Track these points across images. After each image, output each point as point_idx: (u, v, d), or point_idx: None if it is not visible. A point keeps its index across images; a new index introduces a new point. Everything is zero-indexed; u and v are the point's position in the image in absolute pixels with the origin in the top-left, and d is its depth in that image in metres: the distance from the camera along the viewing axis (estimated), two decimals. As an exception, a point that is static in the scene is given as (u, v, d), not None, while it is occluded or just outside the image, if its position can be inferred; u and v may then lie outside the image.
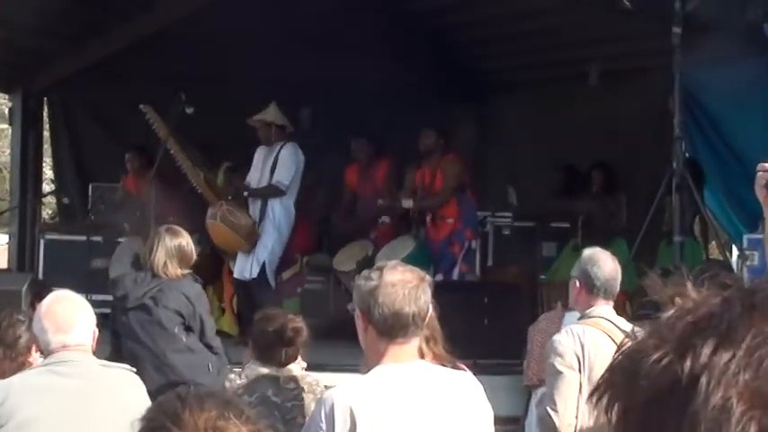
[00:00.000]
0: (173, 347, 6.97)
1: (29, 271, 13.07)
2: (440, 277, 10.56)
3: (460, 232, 11.60)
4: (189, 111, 11.07)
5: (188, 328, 7.06)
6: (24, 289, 9.35)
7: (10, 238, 15.62)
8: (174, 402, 2.47)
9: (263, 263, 11.13)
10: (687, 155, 10.57)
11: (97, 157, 14.93)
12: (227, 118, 12.42)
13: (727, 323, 0.94)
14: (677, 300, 1.00)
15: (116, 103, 13.97)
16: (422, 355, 4.97)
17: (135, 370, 4.83)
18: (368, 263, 10.04)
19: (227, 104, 12.94)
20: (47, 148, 16.20)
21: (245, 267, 11.23)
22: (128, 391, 4.59)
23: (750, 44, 9.85)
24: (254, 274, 11.09)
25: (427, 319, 4.08)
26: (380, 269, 3.99)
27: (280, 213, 11.27)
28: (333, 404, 3.78)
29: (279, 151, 11.29)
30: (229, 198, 11.42)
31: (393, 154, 12.76)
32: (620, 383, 1.00)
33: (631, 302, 9.16)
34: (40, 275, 12.49)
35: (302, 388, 5.61)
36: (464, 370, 5.22)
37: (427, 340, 5.15)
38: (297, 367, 5.68)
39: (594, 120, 13.22)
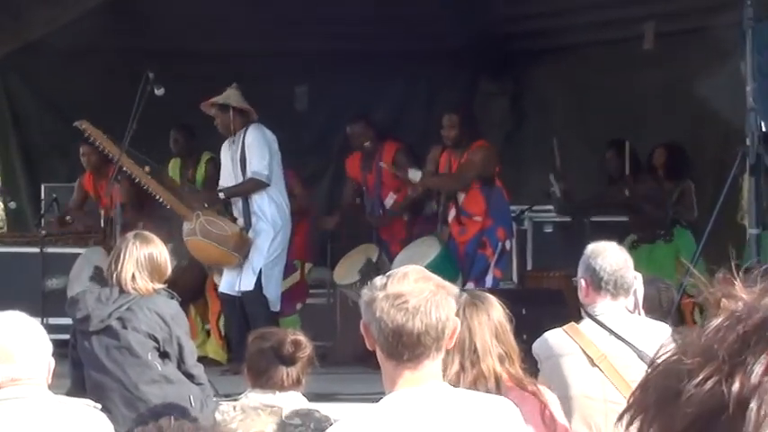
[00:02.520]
0: (146, 378, 6.95)
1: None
2: (470, 286, 10.47)
3: (491, 231, 11.56)
4: (159, 92, 11.03)
5: (163, 354, 7.04)
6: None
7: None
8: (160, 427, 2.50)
9: (259, 272, 11.11)
10: (765, 129, 10.56)
11: (50, 153, 14.93)
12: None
13: None
14: (724, 302, 1.01)
15: (70, 87, 13.98)
16: (496, 379, 5.00)
17: (100, 406, 4.83)
18: (374, 270, 10.03)
19: (207, 83, 12.92)
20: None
21: (235, 280, 11.18)
22: (91, 432, 4.59)
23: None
24: (249, 287, 11.00)
25: (453, 338, 4.06)
26: (389, 276, 3.98)
27: (269, 208, 11.20)
28: None
29: (243, 139, 11.28)
30: (205, 206, 11.31)
31: (405, 136, 12.70)
32: (656, 406, 1.01)
33: (701, 310, 9.16)
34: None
35: (309, 425, 5.61)
36: (538, 393, 5.26)
37: (501, 359, 5.19)
38: (302, 399, 5.67)
39: (651, 91, 13.21)
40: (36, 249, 13.08)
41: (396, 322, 3.82)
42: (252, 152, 11.12)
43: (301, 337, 5.63)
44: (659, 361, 1.02)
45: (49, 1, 13.80)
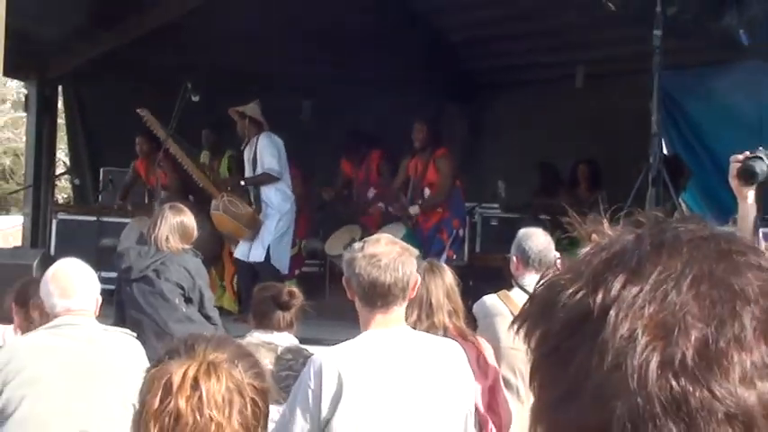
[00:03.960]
0: (173, 317, 6.97)
1: (44, 248, 13.09)
2: (429, 261, 10.57)
3: (448, 221, 11.67)
4: (195, 98, 11.11)
5: (188, 300, 7.06)
6: (36, 263, 9.37)
7: (24, 219, 15.63)
8: (199, 337, 2.53)
9: (268, 246, 11.18)
10: (667, 152, 10.60)
11: (108, 143, 14.93)
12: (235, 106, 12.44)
13: (637, 259, 0.97)
14: (594, 236, 1.03)
15: (126, 91, 13.97)
16: (444, 329, 5.04)
17: (135, 335, 4.85)
18: None
19: (233, 94, 12.94)
20: (62, 135, 16.23)
21: (248, 251, 11.29)
22: (127, 354, 4.61)
23: (726, 50, 9.88)
24: (260, 258, 11.14)
25: (415, 291, 4.12)
26: (366, 242, 4.04)
27: (275, 197, 11.34)
28: (321, 365, 3.83)
29: (256, 144, 11.39)
30: (229, 189, 11.49)
31: (387, 145, 12.82)
32: (538, 313, 1.02)
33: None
34: (52, 253, 12.49)
35: (298, 359, 5.64)
36: (476, 342, 5.30)
37: (450, 314, 5.24)
38: (295, 339, 5.69)
39: (579, 120, 13.27)
40: (94, 218, 13.12)
41: (371, 276, 3.88)
42: (264, 153, 11.25)
43: (295, 290, 5.66)
44: (543, 281, 1.04)
45: (116, 28, 13.83)
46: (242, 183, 11.65)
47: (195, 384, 2.40)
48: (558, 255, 6.04)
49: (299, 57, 13.47)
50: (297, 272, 12.38)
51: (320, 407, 3.78)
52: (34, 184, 14.91)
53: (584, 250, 1.02)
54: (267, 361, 5.56)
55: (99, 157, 15.12)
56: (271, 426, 4.27)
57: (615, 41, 11.95)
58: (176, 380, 2.40)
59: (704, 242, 0.99)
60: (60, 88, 15.64)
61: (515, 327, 1.04)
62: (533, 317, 1.02)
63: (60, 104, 16.09)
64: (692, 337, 0.93)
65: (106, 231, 12.72)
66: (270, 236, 11.23)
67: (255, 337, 5.75)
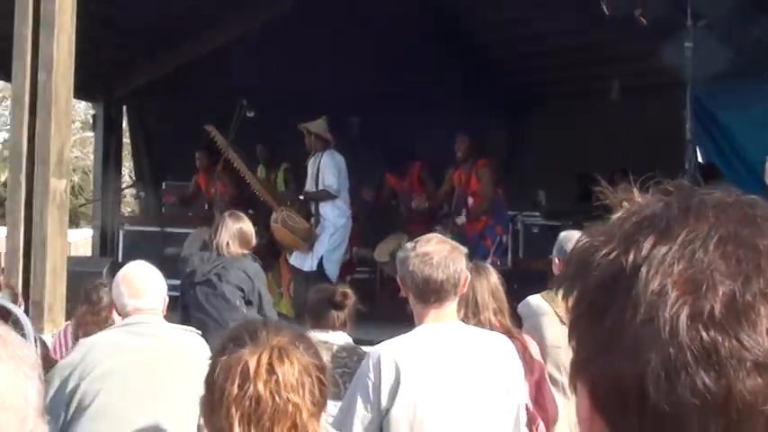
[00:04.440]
0: (234, 318, 6.99)
1: (112, 257, 13.23)
2: (474, 266, 10.61)
3: (492, 228, 11.70)
4: (250, 114, 11.26)
5: (248, 302, 7.12)
6: (105, 270, 9.49)
7: (93, 231, 15.81)
8: (257, 323, 2.60)
9: (321, 257, 11.26)
10: (701, 160, 10.54)
11: (169, 158, 15.09)
12: (286, 122, 12.51)
13: (666, 221, 1.00)
14: (625, 203, 1.06)
15: (186, 109, 14.11)
16: (490, 326, 5.06)
17: (201, 333, 4.90)
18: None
19: (286, 111, 13.03)
20: (125, 154, 16.40)
21: (304, 261, 11.41)
22: (194, 350, 4.66)
23: (756, 59, 9.82)
24: (313, 267, 11.29)
25: (465, 285, 4.15)
26: (417, 241, 4.08)
27: (331, 212, 11.48)
28: (379, 356, 3.86)
29: (320, 160, 11.50)
30: (288, 204, 11.61)
31: (430, 156, 12.85)
32: (575, 274, 1.05)
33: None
34: (120, 262, 12.61)
35: (353, 357, 5.66)
36: (521, 338, 5.30)
37: (495, 312, 5.25)
38: (349, 338, 5.72)
39: (616, 130, 13.22)
40: (158, 228, 13.25)
41: (424, 273, 3.92)
42: (325, 171, 11.38)
43: (348, 291, 5.70)
44: (578, 244, 1.07)
45: (175, 49, 13.97)
46: (301, 197, 11.78)
47: (270, 369, 2.46)
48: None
49: (345, 75, 13.52)
50: (348, 278, 12.43)
51: (380, 397, 3.81)
52: (102, 198, 15.08)
53: (616, 215, 1.05)
54: (324, 359, 5.60)
55: (161, 172, 15.28)
56: (330, 419, 4.32)
57: (649, 54, 11.89)
58: (252, 366, 2.45)
59: (729, 207, 1.02)
60: (125, 108, 15.83)
61: (555, 288, 1.08)
62: (571, 278, 1.06)
63: (125, 123, 16.29)
64: (720, 292, 0.95)
65: (170, 241, 12.85)
66: (323, 248, 11.37)
67: (312, 337, 5.78)
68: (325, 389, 2.53)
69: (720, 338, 0.94)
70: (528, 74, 14.97)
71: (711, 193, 1.04)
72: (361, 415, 3.83)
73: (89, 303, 6.17)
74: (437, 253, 3.97)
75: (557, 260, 5.96)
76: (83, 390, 4.45)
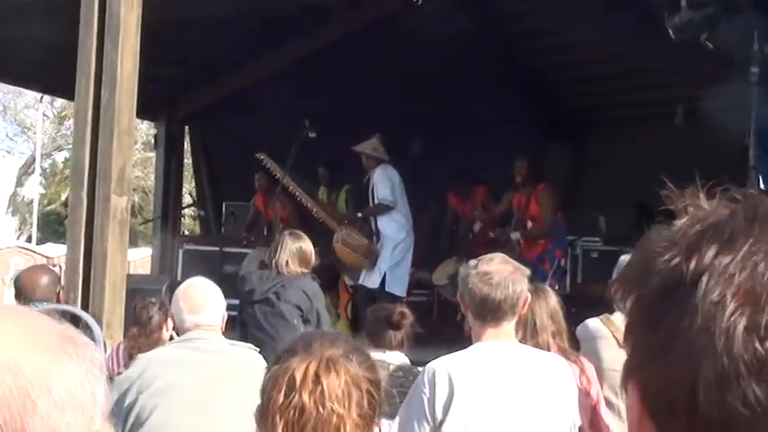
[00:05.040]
0: (292, 337, 7.03)
1: (171, 276, 13.33)
2: (532, 289, 10.57)
3: (551, 251, 11.66)
4: (312, 135, 11.31)
5: (306, 321, 7.14)
6: (164, 288, 9.56)
7: (153, 250, 15.95)
8: (312, 335, 2.62)
9: (384, 274, 11.27)
10: (763, 186, 10.42)
11: (230, 179, 15.20)
12: (348, 144, 12.55)
13: (730, 231, 1.00)
14: (690, 209, 1.05)
15: (247, 130, 14.21)
16: (548, 349, 5.03)
17: (258, 350, 4.91)
18: None
19: (347, 133, 13.07)
20: (186, 174, 16.55)
21: (370, 278, 11.46)
22: (252, 366, 4.66)
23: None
24: (376, 285, 11.33)
25: (525, 306, 4.14)
26: (480, 260, 4.08)
27: (389, 227, 11.49)
28: (434, 371, 3.87)
29: (373, 176, 11.56)
30: (345, 222, 11.65)
31: (491, 180, 12.86)
32: (635, 277, 1.05)
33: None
34: (179, 280, 12.69)
35: (408, 377, 5.65)
36: (579, 362, 5.27)
37: (553, 335, 5.23)
38: (405, 358, 5.72)
39: (678, 155, 13.10)
40: (217, 248, 13.33)
41: (483, 292, 3.92)
42: (378, 185, 11.40)
43: (406, 310, 5.70)
44: (641, 247, 1.07)
45: (237, 71, 14.10)
46: (359, 215, 11.82)
47: (316, 379, 2.46)
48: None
49: (405, 98, 13.57)
50: (405, 299, 12.42)
51: (434, 411, 3.81)
52: (162, 217, 15.21)
53: (680, 221, 1.05)
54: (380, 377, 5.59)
55: (221, 192, 15.40)
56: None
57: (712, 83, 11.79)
58: (299, 376, 2.46)
59: None
60: (186, 128, 15.98)
61: (612, 290, 1.08)
62: (630, 281, 1.06)
63: (186, 143, 16.44)
64: None
65: (228, 261, 12.91)
66: (385, 264, 11.39)
67: (369, 356, 5.78)
68: (376, 403, 2.52)
69: None
70: (589, 98, 14.90)
71: None
72: (416, 430, 3.83)
73: (139, 324, 6.21)
74: (498, 273, 3.97)
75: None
76: (140, 405, 4.49)
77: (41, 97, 35.16)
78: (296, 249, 7.17)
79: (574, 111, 15.20)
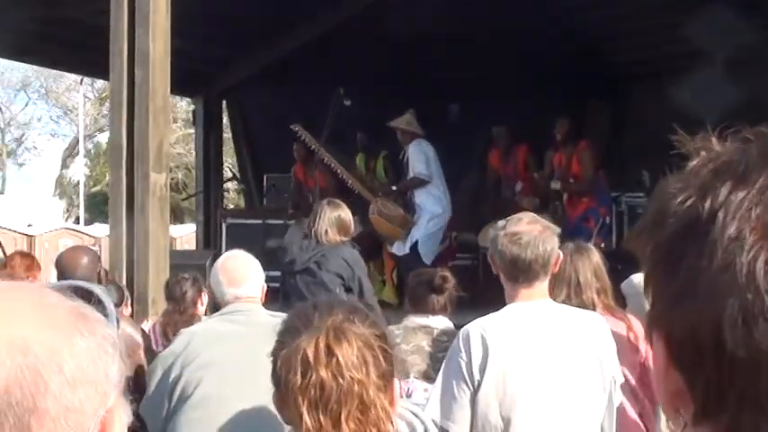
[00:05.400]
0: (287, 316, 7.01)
1: (215, 251, 13.37)
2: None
3: (595, 209, 11.61)
4: (347, 103, 11.27)
5: (348, 289, 7.13)
6: (208, 263, 9.58)
7: (197, 226, 16.02)
8: (307, 309, 2.57)
9: (416, 241, 11.27)
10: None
11: (269, 151, 15.21)
12: (386, 110, 12.49)
13: (744, 167, 0.97)
14: (702, 152, 1.03)
15: (284, 101, 14.21)
16: (593, 306, 5.00)
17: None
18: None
19: (386, 99, 13.01)
20: (227, 149, 16.59)
21: (401, 247, 11.46)
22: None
23: None
24: (406, 251, 11.32)
25: (557, 265, 4.09)
26: (509, 220, 4.03)
27: (427, 200, 11.52)
28: (468, 334, 3.84)
29: (408, 151, 11.58)
30: (380, 194, 11.67)
31: (532, 140, 12.79)
32: (652, 224, 1.03)
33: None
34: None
35: (452, 341, 5.63)
36: (625, 318, 5.23)
37: (598, 292, 5.20)
38: (449, 322, 5.69)
39: (721, 107, 12.92)
40: (260, 221, 13.35)
41: (512, 253, 3.87)
42: (413, 160, 11.44)
43: (447, 274, 5.67)
44: (654, 194, 1.06)
45: (271, 43, 14.06)
46: (393, 188, 11.84)
47: (329, 352, 2.43)
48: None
49: (444, 61, 13.49)
50: (449, 263, 12.38)
51: (471, 372, 3.79)
52: (204, 192, 15.26)
53: (693, 162, 1.03)
54: (424, 343, 5.57)
55: (262, 165, 15.41)
56: (425, 394, 4.29)
57: (757, 29, 11.65)
58: (311, 353, 2.43)
59: None
60: (224, 103, 16.00)
61: (633, 235, 1.06)
62: (648, 228, 1.04)
63: (225, 118, 16.47)
64: None
65: (271, 233, 12.91)
66: (419, 232, 11.42)
67: (412, 321, 5.76)
68: (390, 356, 2.50)
69: None
70: (628, 53, 14.72)
71: None
72: (454, 392, 3.81)
73: (174, 301, 6.22)
74: (527, 233, 3.92)
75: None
76: (185, 379, 4.50)
77: (81, 79, 35.37)
78: (335, 218, 7.16)
79: (614, 66, 15.01)
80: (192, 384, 4.46)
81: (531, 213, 4.27)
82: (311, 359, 2.43)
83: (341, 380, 2.41)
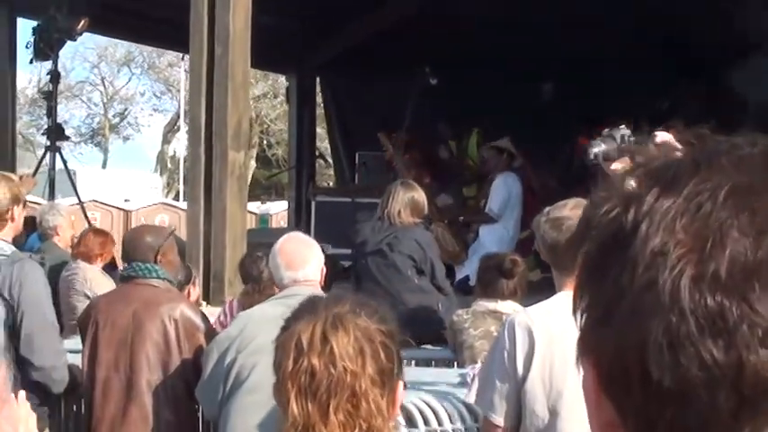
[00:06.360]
0: (406, 288, 6.92)
1: (304, 228, 13.35)
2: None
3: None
4: (433, 82, 11.10)
5: (420, 271, 7.01)
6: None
7: (288, 203, 16.06)
8: (317, 298, 2.55)
9: (466, 276, 10.12)
10: None
11: (361, 129, 15.12)
12: (473, 91, 12.34)
13: (673, 173, 0.87)
14: (637, 156, 0.93)
15: (374, 79, 14.11)
16: None
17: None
18: None
19: (473, 79, 12.85)
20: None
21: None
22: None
23: None
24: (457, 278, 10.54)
25: None
26: (553, 207, 3.88)
27: (488, 237, 10.80)
28: (513, 324, 3.70)
29: (495, 180, 10.91)
30: (445, 222, 10.91)
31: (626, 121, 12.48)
32: (581, 234, 0.94)
33: None
34: (312, 233, 12.69)
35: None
36: None
37: None
38: (520, 306, 5.55)
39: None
40: (349, 199, 13.28)
41: (552, 239, 3.73)
42: (494, 193, 10.77)
43: (518, 258, 5.53)
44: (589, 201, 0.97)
45: (363, 21, 13.98)
46: (461, 219, 11.40)
47: (324, 339, 2.35)
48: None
49: (536, 39, 13.25)
50: (534, 248, 12.11)
51: (515, 366, 3.65)
52: (297, 168, 15.28)
53: (622, 168, 0.92)
54: (493, 328, 5.44)
55: (353, 142, 15.35)
56: (475, 384, 4.15)
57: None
58: (305, 339, 2.36)
59: (750, 157, 0.86)
60: (318, 79, 15.97)
61: (563, 252, 0.94)
62: (578, 238, 0.94)
63: (318, 96, 16.45)
64: (728, 249, 0.82)
65: (361, 211, 12.81)
66: (470, 268, 9.70)
67: (481, 306, 5.64)
68: (393, 354, 2.39)
69: (728, 303, 0.81)
70: (721, 33, 14.26)
71: (733, 141, 0.88)
72: (498, 385, 3.68)
73: (251, 280, 6.15)
74: (569, 218, 3.74)
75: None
76: (240, 363, 4.44)
77: (183, 56, 35.74)
78: (408, 199, 7.03)
79: (707, 47, 14.57)
80: (246, 369, 4.40)
81: (578, 199, 4.08)
82: (305, 345, 2.36)
83: (333, 369, 2.33)
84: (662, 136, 3.58)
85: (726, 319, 0.81)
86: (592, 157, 3.78)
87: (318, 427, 2.32)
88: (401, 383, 2.43)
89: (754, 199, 0.83)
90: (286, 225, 16.16)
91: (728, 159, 0.86)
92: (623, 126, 3.87)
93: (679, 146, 0.92)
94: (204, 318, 5.36)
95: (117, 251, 7.67)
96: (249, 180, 33.79)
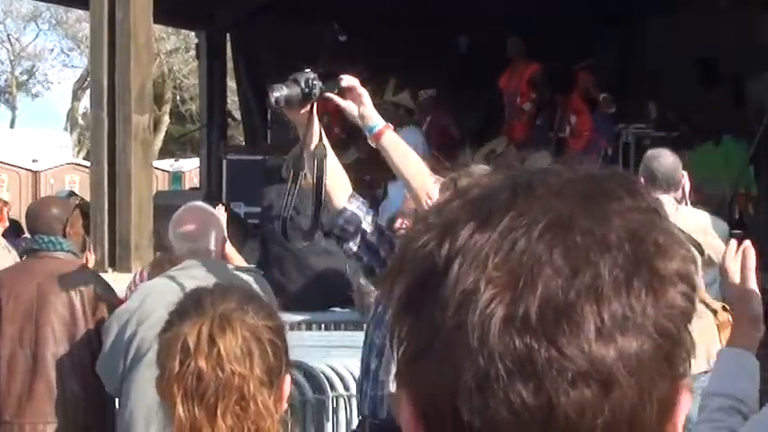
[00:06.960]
0: (313, 251, 6.89)
1: (215, 188, 13.24)
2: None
3: (596, 142, 11.45)
4: (342, 38, 11.04)
5: (326, 234, 6.98)
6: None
7: (200, 161, 15.89)
8: (202, 291, 2.43)
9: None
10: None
11: (272, 85, 14.97)
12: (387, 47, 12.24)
13: (490, 206, 0.84)
14: (459, 182, 0.88)
15: (287, 36, 13.96)
16: None
17: (262, 272, 4.79)
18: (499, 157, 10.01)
19: (383, 34, 12.75)
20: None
21: None
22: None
23: None
24: None
25: None
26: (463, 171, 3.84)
27: (397, 195, 10.62)
28: None
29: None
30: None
31: (545, 60, 12.43)
32: (396, 266, 0.89)
33: (754, 204, 8.76)
34: (224, 192, 12.59)
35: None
36: None
37: None
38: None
39: (722, 44, 12.57)
40: (260, 157, 13.17)
41: None
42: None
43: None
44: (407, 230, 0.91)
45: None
46: (366, 177, 11.21)
47: (211, 341, 2.29)
48: (684, 174, 5.73)
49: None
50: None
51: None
52: (207, 126, 15.12)
53: (439, 198, 0.90)
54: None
55: (265, 99, 15.19)
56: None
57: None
58: (192, 340, 2.29)
59: (571, 185, 0.84)
60: (228, 36, 15.75)
61: (379, 283, 0.91)
62: (392, 271, 0.89)
63: (229, 51, 16.23)
64: (539, 289, 0.80)
65: (273, 170, 12.70)
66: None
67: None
68: (281, 351, 2.35)
69: (536, 345, 0.80)
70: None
71: (556, 170, 0.86)
72: None
73: (163, 249, 6.07)
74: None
75: (642, 179, 5.66)
76: (140, 336, 4.39)
77: (93, 11, 35.01)
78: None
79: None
80: (146, 342, 4.34)
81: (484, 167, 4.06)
82: (191, 347, 2.29)
83: (220, 372, 2.27)
84: (348, 80, 3.54)
85: (534, 363, 0.79)
86: (273, 101, 3.65)
87: (206, 431, 2.28)
88: (288, 378, 2.39)
89: (571, 234, 0.81)
90: (198, 184, 15.99)
91: (548, 188, 0.83)
92: (309, 70, 3.75)
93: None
94: (110, 289, 5.28)
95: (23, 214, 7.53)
96: (163, 136, 33.25)
